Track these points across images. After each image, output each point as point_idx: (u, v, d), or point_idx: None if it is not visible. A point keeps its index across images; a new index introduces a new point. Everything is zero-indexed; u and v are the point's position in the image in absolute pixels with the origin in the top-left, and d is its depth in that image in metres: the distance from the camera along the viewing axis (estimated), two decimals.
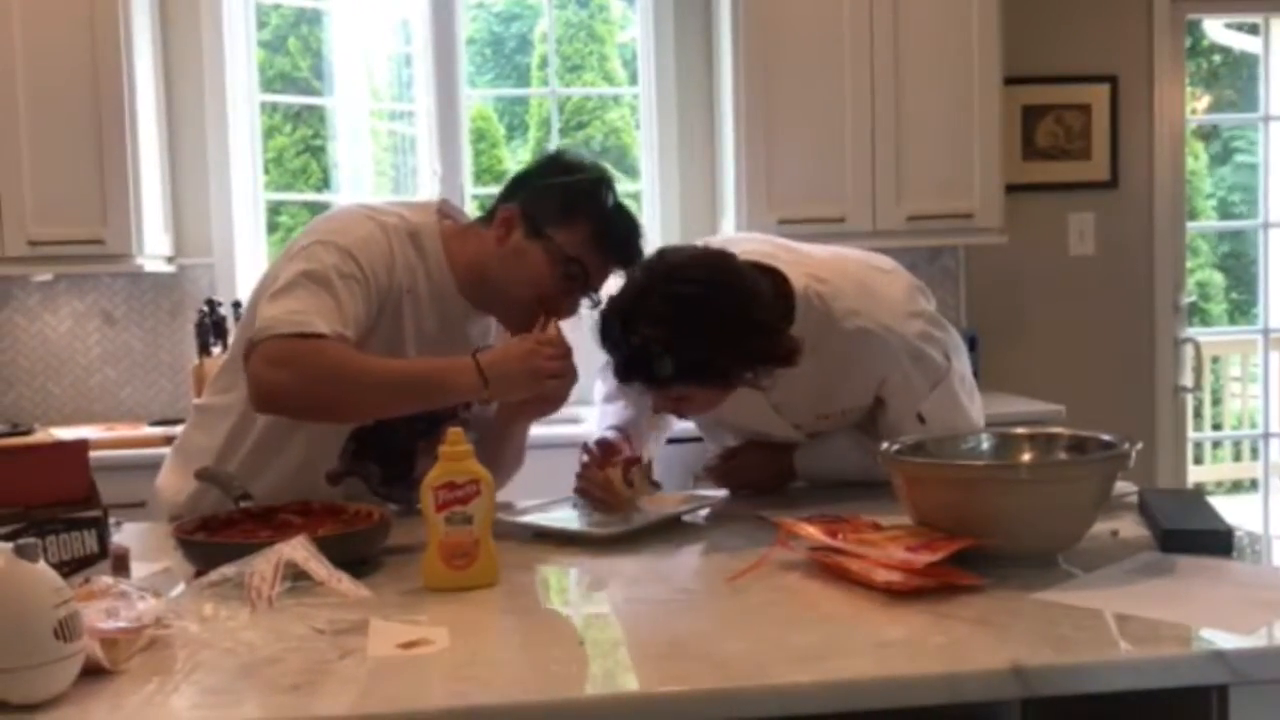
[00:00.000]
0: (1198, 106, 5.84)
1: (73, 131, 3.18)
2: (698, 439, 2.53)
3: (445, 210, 1.90)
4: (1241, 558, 1.50)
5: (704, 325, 1.66)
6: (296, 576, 1.39)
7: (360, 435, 1.84)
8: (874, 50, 3.38)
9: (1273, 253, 4.40)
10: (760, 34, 3.40)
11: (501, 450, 1.91)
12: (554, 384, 1.72)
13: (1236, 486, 6.13)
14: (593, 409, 2.19)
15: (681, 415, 1.92)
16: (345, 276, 1.71)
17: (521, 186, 1.83)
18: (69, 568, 1.37)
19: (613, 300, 1.75)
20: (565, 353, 1.73)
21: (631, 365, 1.71)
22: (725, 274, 1.72)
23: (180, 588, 1.44)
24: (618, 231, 1.80)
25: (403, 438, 1.85)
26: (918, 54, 3.45)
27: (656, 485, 1.85)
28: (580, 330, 1.83)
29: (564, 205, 1.78)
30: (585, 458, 1.87)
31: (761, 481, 2.04)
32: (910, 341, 1.86)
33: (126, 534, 1.73)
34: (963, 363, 1.97)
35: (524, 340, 1.72)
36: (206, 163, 3.57)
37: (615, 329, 1.72)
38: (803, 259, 1.89)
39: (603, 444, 1.89)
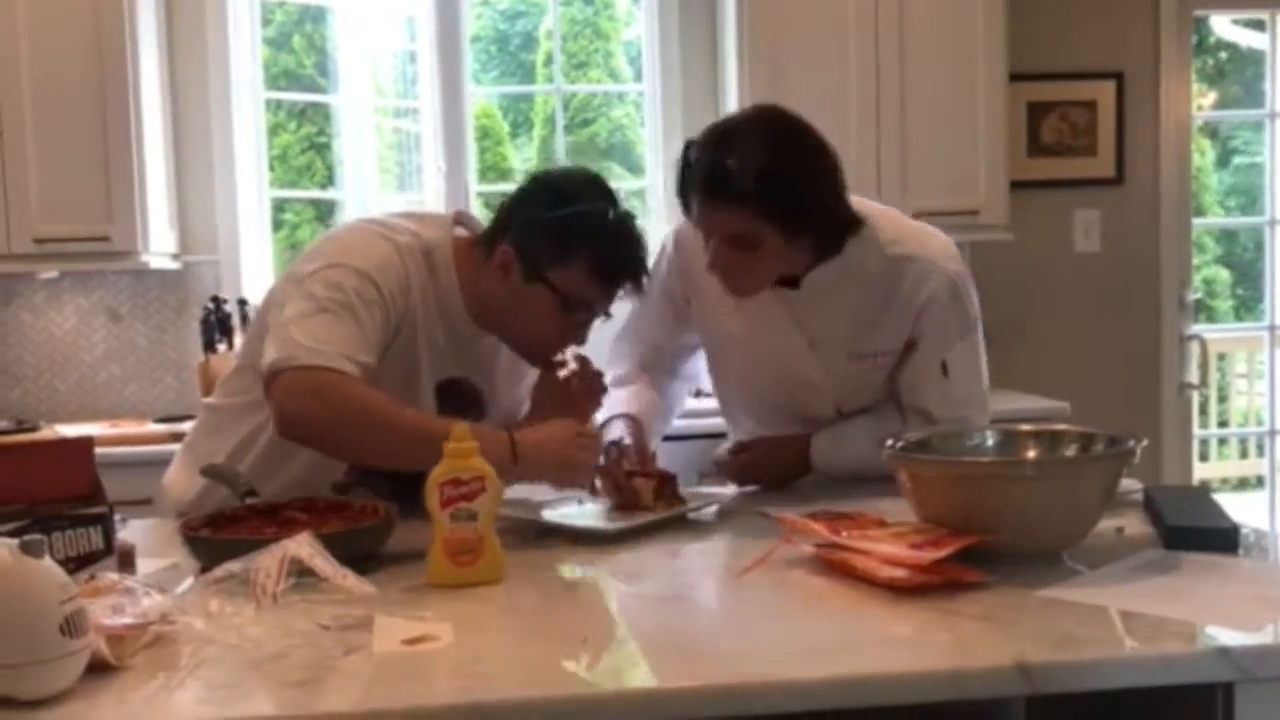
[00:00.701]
0: (1204, 103, 5.83)
1: (78, 129, 3.18)
2: (701, 435, 2.53)
3: (461, 220, 1.89)
4: (1247, 555, 1.50)
5: (794, 152, 1.76)
6: (301, 573, 1.40)
7: None
8: (879, 46, 3.38)
9: (1279, 249, 4.39)
10: (765, 31, 3.40)
11: None
12: (584, 477, 1.73)
13: (1243, 484, 6.12)
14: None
15: (732, 284, 1.86)
16: (368, 303, 1.69)
17: (514, 217, 1.79)
18: (74, 564, 1.38)
19: (708, 129, 1.81)
20: (597, 444, 1.74)
21: (713, 180, 1.75)
22: (815, 132, 1.82)
23: (186, 584, 1.44)
24: (620, 259, 1.77)
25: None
26: (923, 50, 3.44)
27: (683, 500, 1.82)
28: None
29: (559, 242, 1.74)
30: (603, 459, 1.85)
31: (775, 476, 2.03)
32: (951, 277, 1.90)
33: (132, 530, 1.73)
34: (980, 335, 2.00)
35: (566, 427, 1.71)
36: (211, 160, 3.57)
37: (705, 149, 1.78)
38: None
39: (624, 449, 1.89)
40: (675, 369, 2.15)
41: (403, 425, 1.65)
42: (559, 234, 1.74)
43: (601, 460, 1.82)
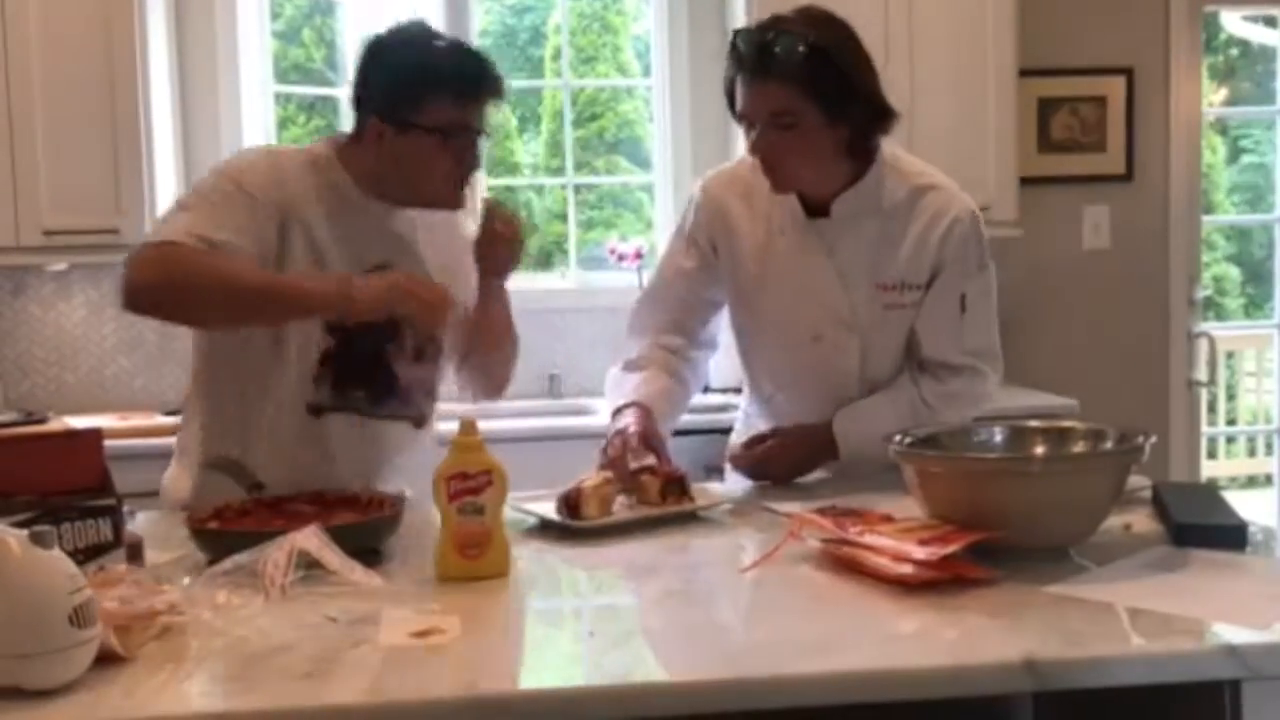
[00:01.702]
0: (1214, 100, 5.81)
1: (87, 121, 3.19)
2: (709, 431, 2.52)
3: (337, 139, 1.96)
4: (1255, 553, 1.50)
5: (839, 38, 1.88)
6: (309, 565, 1.40)
7: (330, 363, 1.86)
8: (888, 41, 3.36)
9: None
10: None
11: (494, 339, 2.02)
12: (422, 307, 1.75)
13: (1251, 482, 6.10)
14: (600, 401, 2.21)
15: (771, 169, 1.92)
16: (227, 194, 1.79)
17: (365, 91, 1.88)
18: (84, 555, 1.38)
19: (757, 22, 1.93)
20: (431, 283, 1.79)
21: (760, 59, 1.85)
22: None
23: (194, 576, 1.44)
24: (467, 74, 1.85)
25: (370, 353, 1.88)
26: (932, 45, 3.43)
27: (691, 499, 1.80)
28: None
29: (410, 87, 1.83)
30: (611, 451, 1.85)
31: (795, 463, 2.00)
32: (972, 208, 1.99)
33: (140, 523, 1.74)
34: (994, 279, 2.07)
35: (405, 273, 1.81)
36: (220, 152, 3.56)
37: (752, 34, 1.89)
38: None
39: (627, 437, 1.87)
40: (697, 334, 2.12)
41: (246, 277, 1.74)
42: (406, 80, 1.83)
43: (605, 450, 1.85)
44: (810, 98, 1.84)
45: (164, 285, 1.72)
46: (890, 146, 1.99)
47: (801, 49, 1.82)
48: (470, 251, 1.99)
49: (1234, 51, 7.02)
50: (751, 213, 2.02)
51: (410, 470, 1.93)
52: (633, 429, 1.90)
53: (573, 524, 1.69)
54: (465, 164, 1.87)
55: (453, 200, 1.90)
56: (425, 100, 1.82)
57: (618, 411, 1.98)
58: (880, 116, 1.91)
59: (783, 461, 2.00)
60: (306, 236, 1.83)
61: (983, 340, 2.04)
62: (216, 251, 1.72)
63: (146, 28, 3.25)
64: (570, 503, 1.70)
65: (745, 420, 2.20)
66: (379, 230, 1.91)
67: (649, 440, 1.89)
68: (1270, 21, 4.84)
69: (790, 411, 2.05)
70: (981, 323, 2.03)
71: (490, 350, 2.04)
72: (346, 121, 2.04)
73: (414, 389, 1.94)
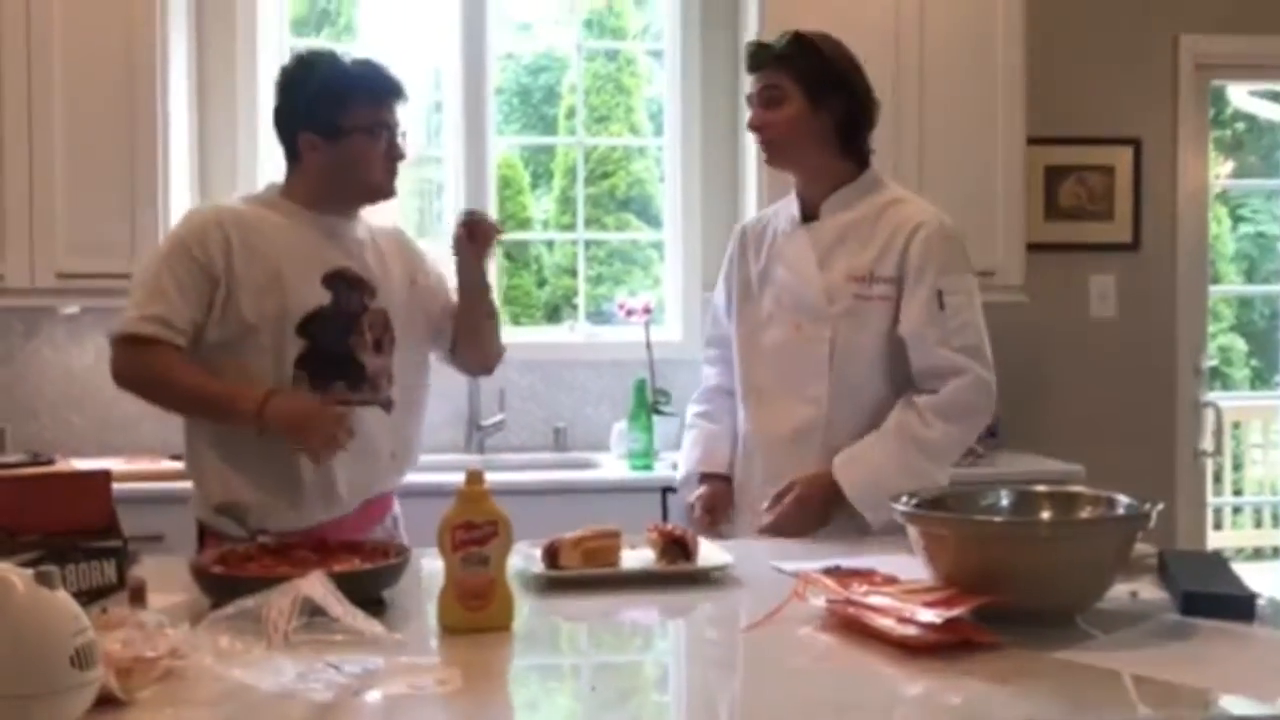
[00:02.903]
0: (1221, 172, 5.86)
1: (106, 166, 3.22)
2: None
3: (275, 182, 2.24)
4: (1264, 624, 1.49)
5: (833, 42, 2.21)
6: (313, 612, 1.39)
7: (304, 364, 2.07)
8: (899, 107, 3.40)
9: None
10: None
11: (482, 340, 2.34)
12: (320, 442, 2.00)
13: (1258, 554, 6.05)
14: (606, 455, 2.73)
15: (764, 140, 2.23)
16: (170, 256, 2.07)
17: (288, 117, 2.15)
18: (87, 597, 1.38)
19: None
20: (342, 419, 2.02)
21: (760, 51, 2.21)
22: None
23: (197, 620, 1.44)
24: (378, 79, 2.14)
25: (336, 348, 2.10)
26: (943, 112, 3.47)
27: (689, 560, 1.77)
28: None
29: (331, 100, 2.10)
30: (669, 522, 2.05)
31: (812, 517, 2.09)
32: (942, 220, 2.19)
33: (145, 566, 1.73)
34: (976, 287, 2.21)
35: (317, 406, 2.03)
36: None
37: (760, 39, 2.33)
38: None
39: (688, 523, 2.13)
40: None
41: (189, 388, 2.07)
42: (329, 92, 2.11)
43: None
44: (795, 79, 2.16)
45: (133, 383, 2.12)
46: (892, 181, 2.28)
47: (791, 40, 2.18)
48: (426, 256, 2.34)
49: (1240, 125, 7.09)
50: (763, 230, 2.34)
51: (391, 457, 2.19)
52: (698, 513, 2.25)
53: (547, 573, 1.70)
54: (391, 155, 2.15)
55: (388, 187, 2.17)
56: (348, 106, 2.10)
57: (689, 480, 2.33)
58: (862, 108, 2.20)
59: (799, 518, 2.09)
60: (256, 258, 2.07)
61: (971, 339, 2.12)
62: (161, 351, 2.05)
63: (168, 73, 3.30)
64: (550, 552, 1.72)
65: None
66: (330, 239, 2.15)
67: (714, 512, 2.24)
68: (1275, 96, 4.89)
69: (763, 416, 2.22)
70: (967, 323, 2.13)
71: (479, 326, 2.31)
72: None
73: (380, 375, 2.15)
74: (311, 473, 2.05)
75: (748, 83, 2.25)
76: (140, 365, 2.08)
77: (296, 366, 2.07)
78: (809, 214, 2.24)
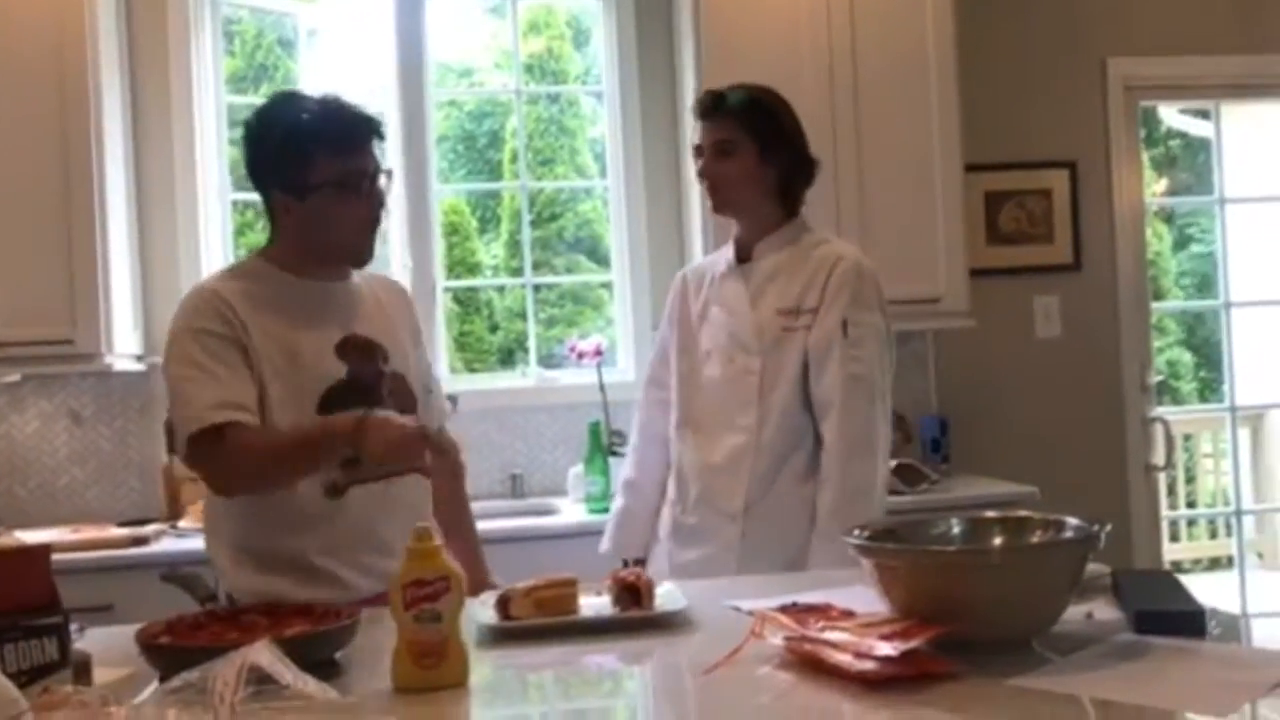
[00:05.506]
0: (1157, 189, 5.98)
1: (42, 232, 3.18)
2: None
3: (258, 248, 2.10)
4: (1215, 638, 1.50)
5: (780, 101, 2.40)
6: (261, 680, 1.36)
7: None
8: (836, 141, 3.45)
9: (1236, 331, 4.47)
10: None
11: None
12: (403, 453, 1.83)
13: (1214, 564, 6.12)
14: (563, 500, 2.63)
15: (713, 189, 2.39)
16: (203, 346, 1.89)
17: (258, 178, 2.00)
18: (28, 676, 1.34)
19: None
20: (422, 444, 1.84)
21: (719, 97, 2.38)
22: None
23: (143, 694, 1.40)
24: (339, 125, 1.95)
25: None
26: (880, 143, 3.52)
27: (641, 607, 1.75)
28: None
29: (293, 156, 1.93)
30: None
31: None
32: (860, 260, 2.36)
33: (90, 639, 1.69)
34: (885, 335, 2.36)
35: (409, 420, 1.87)
36: (177, 261, 3.57)
37: (710, 91, 2.43)
38: None
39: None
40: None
41: (280, 444, 1.87)
42: (286, 150, 1.94)
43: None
44: (748, 133, 2.33)
45: (238, 474, 1.88)
46: (823, 227, 2.46)
47: (746, 96, 2.36)
48: (420, 330, 2.22)
49: (1175, 143, 7.24)
50: (702, 275, 2.50)
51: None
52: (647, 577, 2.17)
53: (498, 624, 1.68)
54: (369, 206, 1.98)
55: (362, 246, 2.00)
56: (313, 158, 1.93)
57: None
58: (804, 165, 2.39)
59: None
60: (269, 338, 1.93)
61: (862, 370, 2.27)
62: (243, 430, 1.84)
63: (104, 137, 3.27)
64: (502, 603, 1.71)
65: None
66: (326, 306, 2.01)
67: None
68: (1204, 114, 5.01)
69: (699, 445, 2.36)
70: (863, 356, 2.27)
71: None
72: None
73: None
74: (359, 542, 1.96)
75: (690, 127, 2.34)
76: (236, 453, 1.85)
77: None
78: (743, 256, 2.41)
